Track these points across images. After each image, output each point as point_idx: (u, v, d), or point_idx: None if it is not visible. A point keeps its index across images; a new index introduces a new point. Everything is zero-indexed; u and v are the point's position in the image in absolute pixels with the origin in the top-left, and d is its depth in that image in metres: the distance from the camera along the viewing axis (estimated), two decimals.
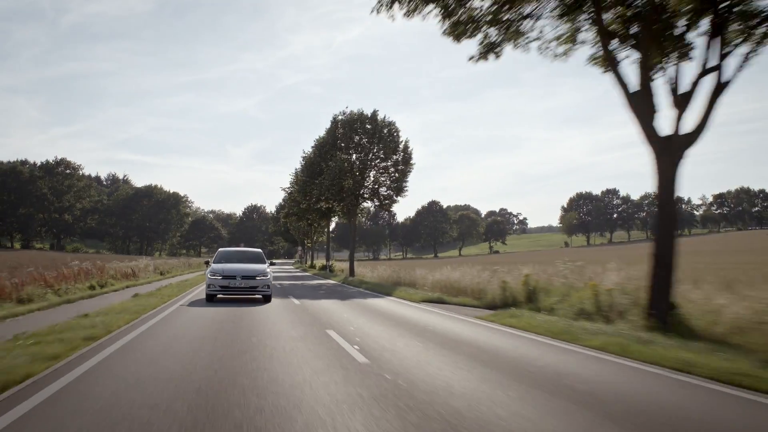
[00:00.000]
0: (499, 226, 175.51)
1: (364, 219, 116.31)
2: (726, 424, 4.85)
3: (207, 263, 18.40)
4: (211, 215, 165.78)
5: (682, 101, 9.51)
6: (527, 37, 11.06)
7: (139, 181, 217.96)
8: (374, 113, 35.58)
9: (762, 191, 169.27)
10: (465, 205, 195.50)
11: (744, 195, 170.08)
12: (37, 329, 9.43)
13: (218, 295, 16.52)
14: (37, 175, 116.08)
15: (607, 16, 10.19)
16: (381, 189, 36.32)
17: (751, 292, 10.60)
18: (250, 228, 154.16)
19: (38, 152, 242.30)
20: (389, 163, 35.75)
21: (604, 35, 10.05)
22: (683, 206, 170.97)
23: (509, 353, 8.18)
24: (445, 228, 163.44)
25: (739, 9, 9.10)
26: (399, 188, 35.87)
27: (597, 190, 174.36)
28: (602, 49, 10.40)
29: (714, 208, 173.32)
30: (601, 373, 6.86)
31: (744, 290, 11.04)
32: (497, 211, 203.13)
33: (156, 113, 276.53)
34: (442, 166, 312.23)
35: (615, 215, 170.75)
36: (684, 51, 9.83)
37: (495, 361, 7.54)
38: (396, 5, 10.22)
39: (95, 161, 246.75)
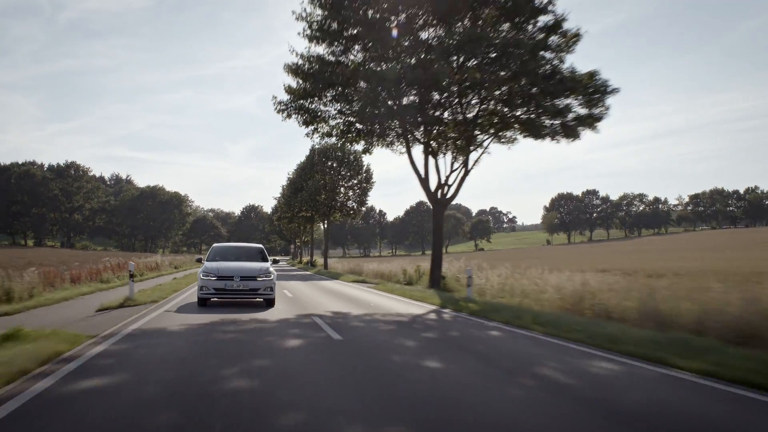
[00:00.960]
0: (484, 225, 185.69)
1: (357, 219, 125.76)
2: (412, 316, 15.33)
3: (200, 261, 16.01)
4: (210, 214, 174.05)
5: (445, 181, 20.26)
6: (391, 146, 21.99)
7: (138, 178, 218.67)
8: (343, 143, 46.21)
9: (736, 192, 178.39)
10: (456, 204, 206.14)
11: (718, 196, 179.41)
12: (144, 289, 19.79)
13: (212, 299, 14.57)
14: (49, 177, 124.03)
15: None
16: (348, 202, 47.15)
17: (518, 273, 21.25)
18: (248, 227, 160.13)
19: (36, 149, 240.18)
20: (354, 182, 46.54)
21: (409, 148, 20.71)
22: (660, 206, 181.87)
23: (354, 295, 18.76)
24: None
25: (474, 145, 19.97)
26: (362, 201, 46.75)
27: (594, 188, 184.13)
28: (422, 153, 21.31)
29: (690, 208, 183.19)
30: (380, 300, 17.36)
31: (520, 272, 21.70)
32: (488, 209, 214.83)
33: (154, 110, 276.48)
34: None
35: (594, 215, 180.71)
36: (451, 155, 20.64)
37: (347, 298, 18.11)
38: (316, 136, 21.13)
39: (94, 158, 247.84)
